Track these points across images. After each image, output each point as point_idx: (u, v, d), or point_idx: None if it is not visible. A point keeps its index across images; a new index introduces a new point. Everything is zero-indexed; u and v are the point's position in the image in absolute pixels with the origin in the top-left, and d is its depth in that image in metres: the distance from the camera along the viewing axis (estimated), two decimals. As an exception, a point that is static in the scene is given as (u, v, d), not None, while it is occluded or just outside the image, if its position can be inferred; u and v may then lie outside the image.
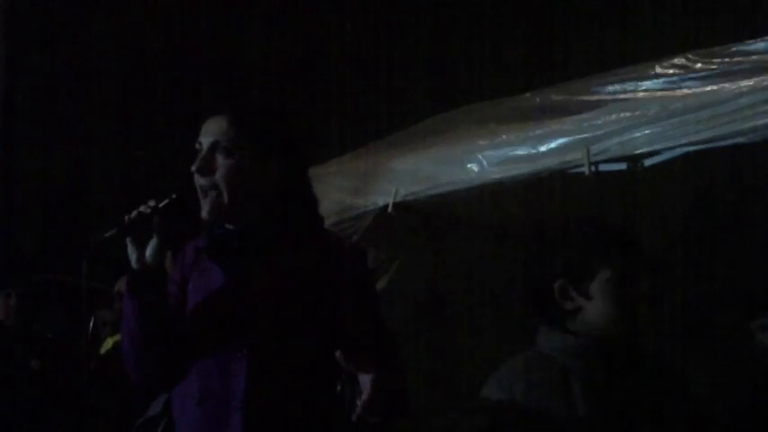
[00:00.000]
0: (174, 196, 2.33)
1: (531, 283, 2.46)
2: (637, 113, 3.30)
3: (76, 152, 7.60)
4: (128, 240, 2.31)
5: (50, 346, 5.16)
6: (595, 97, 3.51)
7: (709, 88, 3.13)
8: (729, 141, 3.08)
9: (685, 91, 3.19)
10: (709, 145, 3.16)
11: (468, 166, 3.77)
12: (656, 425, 2.39)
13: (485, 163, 3.72)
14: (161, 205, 2.30)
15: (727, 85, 3.08)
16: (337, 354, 2.08)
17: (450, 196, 3.91)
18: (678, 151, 3.30)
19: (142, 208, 2.30)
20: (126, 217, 2.30)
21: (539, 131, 3.58)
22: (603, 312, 2.33)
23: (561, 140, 3.50)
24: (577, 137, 3.44)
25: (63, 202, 7.63)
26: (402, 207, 4.02)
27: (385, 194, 4.05)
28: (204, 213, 2.34)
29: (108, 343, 5.28)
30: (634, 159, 3.39)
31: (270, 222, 2.34)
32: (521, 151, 3.61)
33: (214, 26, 8.02)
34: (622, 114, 3.35)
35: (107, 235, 2.28)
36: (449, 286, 4.60)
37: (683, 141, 3.19)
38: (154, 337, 2.31)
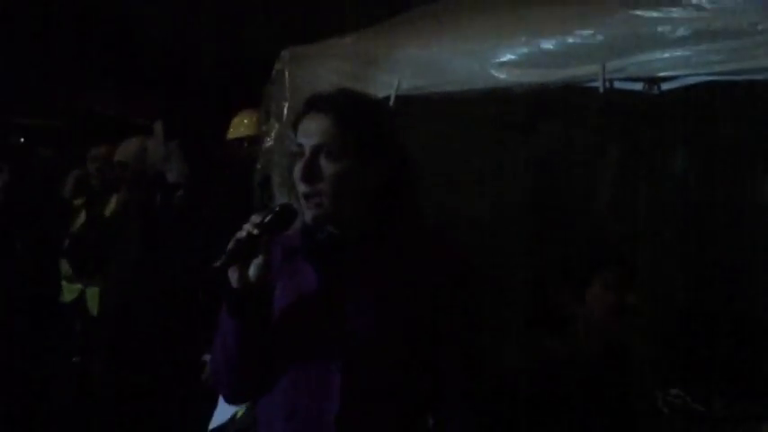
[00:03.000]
0: (277, 209, 2.16)
1: (534, 289, 2.70)
2: (661, 33, 3.13)
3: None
4: None
5: (29, 219, 5.12)
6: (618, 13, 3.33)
7: (744, 18, 2.96)
8: (759, 76, 2.95)
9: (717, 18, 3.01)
10: (734, 77, 3.02)
11: (476, 65, 3.60)
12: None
13: (494, 64, 3.55)
14: (267, 221, 2.12)
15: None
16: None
17: (455, 94, 3.75)
18: (697, 79, 3.15)
19: (248, 227, 2.11)
20: (234, 240, 2.10)
21: (555, 37, 3.40)
22: (595, 319, 2.76)
23: (578, 51, 3.33)
24: (595, 50, 3.28)
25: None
26: (404, 100, 3.85)
27: (386, 86, 3.88)
28: (308, 219, 2.18)
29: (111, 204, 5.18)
30: (651, 82, 3.23)
31: (375, 226, 2.19)
32: (534, 57, 3.44)
33: None
34: (645, 33, 3.18)
35: (217, 265, 2.08)
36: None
37: (707, 71, 3.05)
38: (252, 356, 2.17)
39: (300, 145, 2.19)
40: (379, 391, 2.12)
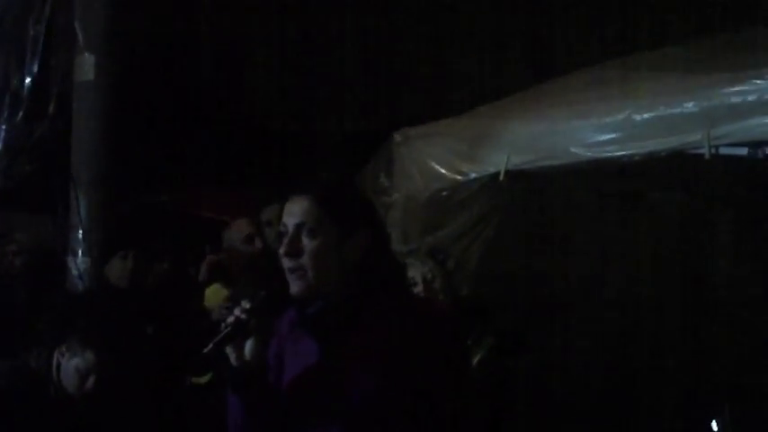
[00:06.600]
0: (263, 293, 2.33)
1: None
2: (765, 99, 3.22)
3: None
4: None
5: (163, 311, 5.20)
6: (717, 76, 3.44)
7: None
8: None
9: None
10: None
11: (582, 138, 3.74)
12: None
13: (600, 136, 3.69)
14: (254, 306, 2.30)
15: None
16: None
17: (563, 168, 3.88)
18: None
19: (237, 312, 2.30)
20: (222, 324, 2.29)
21: (658, 108, 3.53)
22: None
23: (681, 121, 3.44)
24: (698, 119, 3.38)
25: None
26: (513, 175, 4.01)
27: (496, 162, 4.04)
28: (293, 292, 2.35)
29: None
30: (756, 146, 3.32)
31: (360, 296, 2.34)
32: (639, 128, 3.57)
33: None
34: (748, 99, 3.27)
35: (205, 351, 2.27)
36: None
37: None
38: (260, 427, 2.36)
39: (285, 224, 2.38)
40: None
